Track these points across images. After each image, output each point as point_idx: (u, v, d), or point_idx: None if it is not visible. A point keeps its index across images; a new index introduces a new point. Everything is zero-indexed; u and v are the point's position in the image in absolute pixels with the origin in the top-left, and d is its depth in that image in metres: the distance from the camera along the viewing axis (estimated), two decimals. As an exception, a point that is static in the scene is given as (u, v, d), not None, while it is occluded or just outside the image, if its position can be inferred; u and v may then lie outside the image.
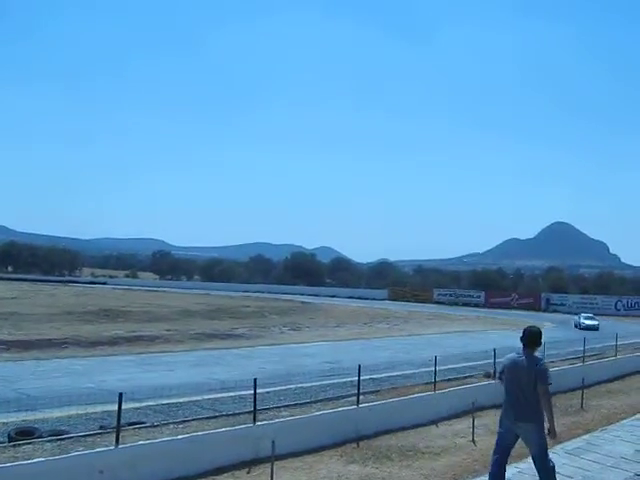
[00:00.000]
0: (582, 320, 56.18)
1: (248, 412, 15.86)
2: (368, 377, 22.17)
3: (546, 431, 8.61)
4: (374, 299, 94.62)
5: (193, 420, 16.47)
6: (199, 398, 20.03)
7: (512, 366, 8.70)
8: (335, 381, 23.79)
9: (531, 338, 8.70)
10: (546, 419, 8.62)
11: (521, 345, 8.82)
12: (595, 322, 54.91)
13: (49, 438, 14.00)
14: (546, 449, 8.78)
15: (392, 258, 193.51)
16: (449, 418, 18.29)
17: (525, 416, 8.47)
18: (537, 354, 8.92)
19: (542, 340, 8.91)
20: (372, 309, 70.74)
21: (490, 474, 9.05)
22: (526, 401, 8.45)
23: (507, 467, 11.76)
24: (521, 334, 8.86)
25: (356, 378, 17.27)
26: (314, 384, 23.26)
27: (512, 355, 8.85)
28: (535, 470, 9.06)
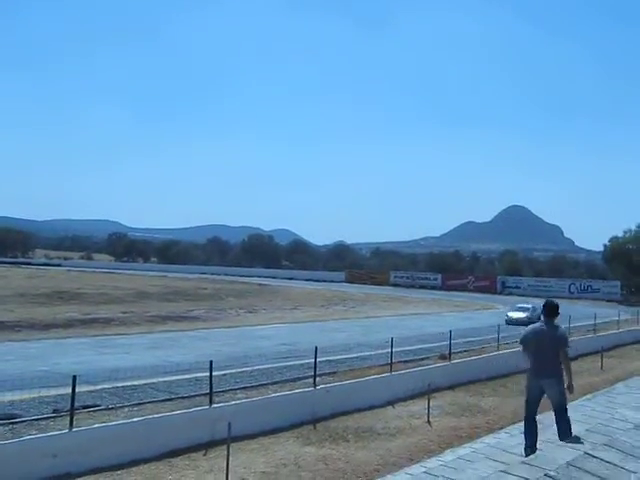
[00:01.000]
0: (509, 312, 46.36)
1: (204, 394, 15.85)
2: (325, 359, 22.25)
3: (566, 386, 10.01)
4: (332, 281, 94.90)
5: (149, 403, 16.40)
6: (155, 381, 19.90)
7: (537, 333, 10.06)
8: (292, 363, 23.83)
9: (551, 309, 10.14)
10: (566, 377, 10.04)
11: (542, 316, 10.22)
12: (523, 314, 43.98)
13: (1, 422, 13.85)
14: (566, 400, 10.14)
15: (349, 241, 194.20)
16: (405, 399, 18.47)
17: (548, 373, 9.90)
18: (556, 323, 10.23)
19: (559, 310, 10.29)
20: (329, 291, 70.97)
21: (525, 420, 10.43)
22: (549, 361, 9.87)
23: (462, 448, 11.94)
24: (542, 307, 10.34)
25: (312, 360, 17.34)
26: (271, 366, 23.27)
27: (536, 325, 10.25)
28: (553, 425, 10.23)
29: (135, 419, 13.57)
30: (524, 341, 10.29)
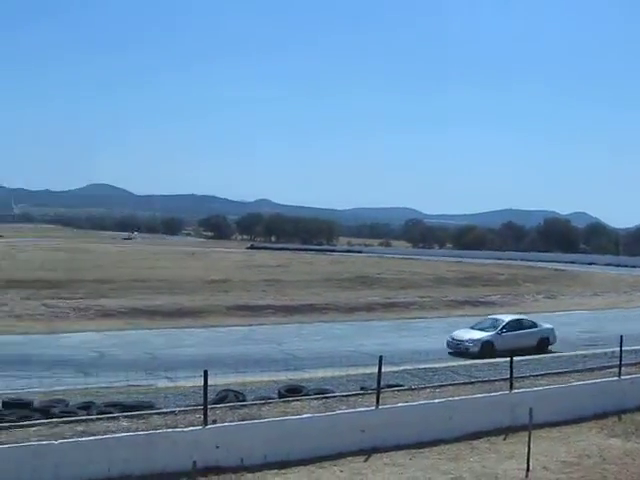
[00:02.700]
0: (456, 332, 25.53)
1: (504, 379, 15.90)
2: (629, 348, 21.18)
3: None
4: (634, 267, 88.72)
5: (449, 385, 16.76)
6: (454, 364, 20.35)
7: None
8: (593, 351, 22.97)
9: None
10: None
11: None
12: (476, 336, 24.81)
13: (315, 396, 14.97)
14: None
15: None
16: None
17: None
18: None
19: None
20: (632, 277, 66.47)
21: None
22: None
23: None
24: None
25: (616, 349, 16.70)
26: (572, 353, 22.70)
27: None
28: None
29: (436, 400, 14.05)
30: None
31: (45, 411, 13.35)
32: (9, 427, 11.81)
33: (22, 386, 16.62)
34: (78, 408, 13.66)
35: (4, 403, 13.56)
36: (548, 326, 26.14)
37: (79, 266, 53.27)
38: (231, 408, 13.52)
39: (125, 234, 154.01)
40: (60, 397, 14.82)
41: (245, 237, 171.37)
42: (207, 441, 11.22)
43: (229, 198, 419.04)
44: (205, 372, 11.49)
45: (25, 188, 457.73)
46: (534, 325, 25.91)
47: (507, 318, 26.22)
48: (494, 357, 21.53)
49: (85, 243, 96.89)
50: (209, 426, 11.61)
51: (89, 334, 26.04)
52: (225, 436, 11.45)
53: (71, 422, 12.41)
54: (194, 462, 9.67)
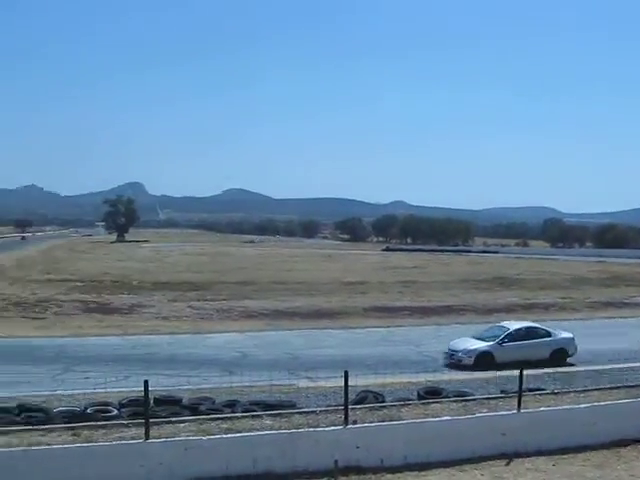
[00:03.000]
0: (454, 342, 23.08)
1: (652, 384, 15.31)
2: None
3: None
4: None
5: (594, 390, 16.26)
6: (598, 368, 19.70)
7: None
8: None
9: None
10: None
11: None
12: (472, 347, 22.43)
13: (454, 399, 14.91)
14: None
15: None
16: None
17: None
18: None
19: None
20: None
21: None
22: None
23: None
24: None
25: None
26: None
27: None
28: None
29: (582, 405, 13.69)
30: None
31: (193, 408, 14.00)
32: (161, 422, 12.43)
33: (172, 384, 17.42)
34: (224, 406, 14.24)
35: (156, 400, 14.19)
36: (566, 335, 23.35)
37: (221, 269, 55.21)
38: (371, 409, 13.69)
39: (249, 238, 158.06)
40: (207, 395, 15.50)
41: (380, 239, 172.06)
42: (348, 441, 11.45)
43: (365, 200, 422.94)
44: (346, 373, 11.74)
45: (169, 195, 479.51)
46: (547, 334, 23.21)
47: (513, 326, 23.49)
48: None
49: (226, 247, 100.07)
50: (350, 426, 11.86)
51: (232, 335, 26.96)
52: (365, 436, 11.65)
53: (217, 419, 12.93)
54: (336, 461, 9.90)
